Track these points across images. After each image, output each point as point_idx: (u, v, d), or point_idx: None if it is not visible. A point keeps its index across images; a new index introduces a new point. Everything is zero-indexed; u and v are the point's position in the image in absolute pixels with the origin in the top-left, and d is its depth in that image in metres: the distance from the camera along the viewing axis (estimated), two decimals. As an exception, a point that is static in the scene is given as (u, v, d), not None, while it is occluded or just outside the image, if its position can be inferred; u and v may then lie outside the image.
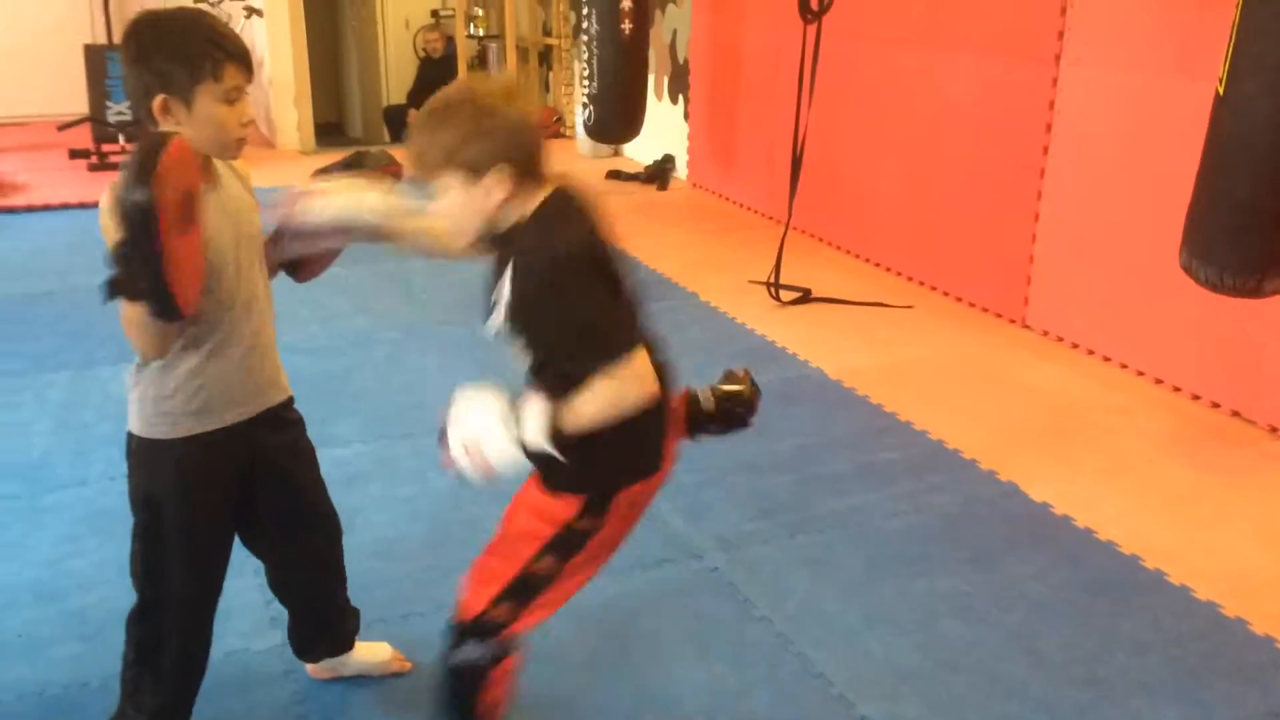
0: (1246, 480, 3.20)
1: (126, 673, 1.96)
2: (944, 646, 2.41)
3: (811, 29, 4.47)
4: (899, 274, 5.09)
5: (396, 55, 9.49)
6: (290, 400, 2.02)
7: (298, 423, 2.05)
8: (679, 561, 2.75)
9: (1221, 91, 2.83)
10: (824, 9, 4.42)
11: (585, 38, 6.09)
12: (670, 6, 6.81)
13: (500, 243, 1.62)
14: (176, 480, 1.84)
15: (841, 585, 2.64)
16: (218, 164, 1.83)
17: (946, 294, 4.81)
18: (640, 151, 7.33)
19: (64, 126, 7.39)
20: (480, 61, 9.06)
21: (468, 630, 1.78)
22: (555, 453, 1.56)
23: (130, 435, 1.86)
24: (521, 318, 1.59)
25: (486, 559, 1.82)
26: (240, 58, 1.71)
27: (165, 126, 1.70)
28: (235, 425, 1.87)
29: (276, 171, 7.08)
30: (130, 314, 1.67)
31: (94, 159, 6.98)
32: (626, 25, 5.88)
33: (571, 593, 1.80)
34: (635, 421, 1.60)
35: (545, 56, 8.85)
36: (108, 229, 1.68)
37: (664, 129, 7.02)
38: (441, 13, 9.35)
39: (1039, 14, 4.13)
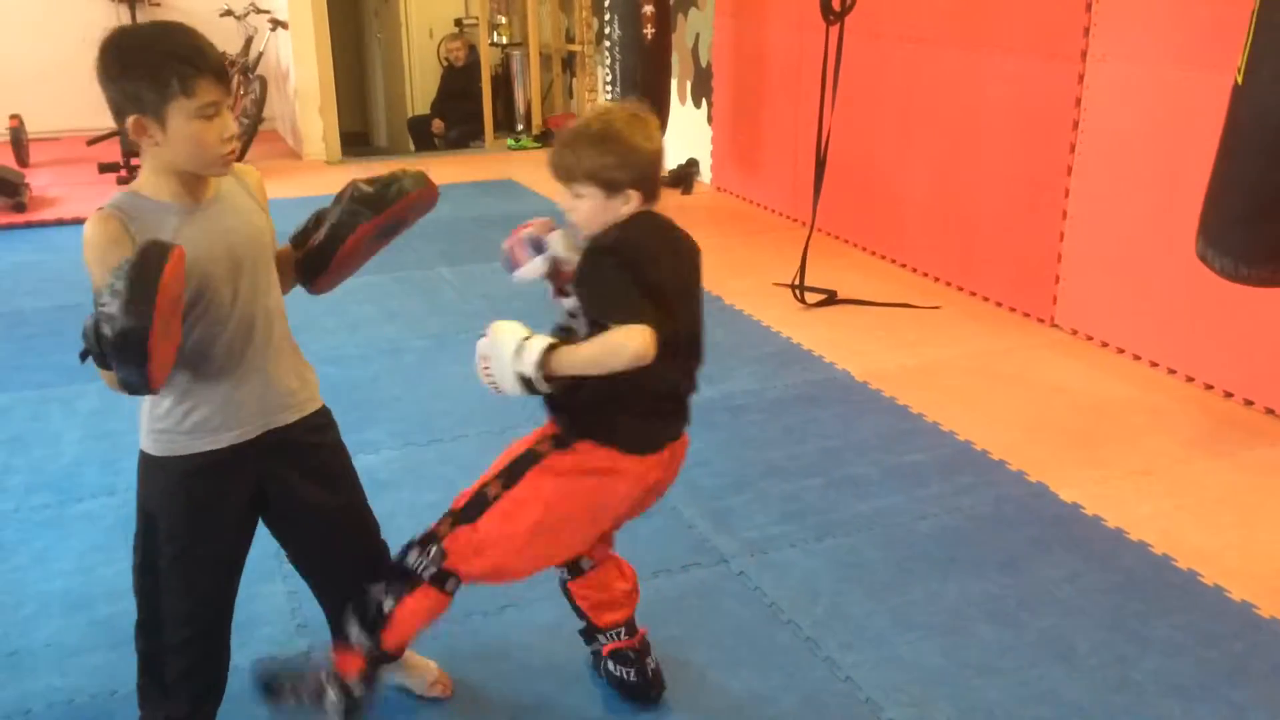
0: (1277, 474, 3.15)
1: (139, 682, 1.96)
2: (974, 650, 2.39)
3: (834, 30, 4.44)
4: (925, 274, 5.06)
5: (420, 64, 9.55)
6: (312, 416, 1.95)
7: (322, 446, 1.97)
8: (705, 566, 2.74)
9: (1240, 81, 2.81)
10: (846, 10, 4.40)
11: (608, 43, 6.09)
12: (693, 10, 6.81)
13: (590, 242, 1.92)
14: (171, 498, 1.82)
15: (870, 589, 2.62)
16: (219, 179, 1.79)
17: (974, 294, 4.77)
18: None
19: (93, 141, 7.48)
20: (504, 69, 9.09)
21: (417, 538, 2.01)
22: (540, 383, 1.79)
23: (140, 450, 1.86)
24: (579, 286, 1.87)
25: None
26: (213, 71, 1.66)
27: (144, 145, 1.68)
28: (239, 446, 1.82)
29: (303, 181, 7.15)
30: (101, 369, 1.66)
31: (123, 172, 7.05)
32: (649, 30, 5.88)
33: (515, 552, 1.96)
34: (632, 393, 1.87)
35: (568, 63, 8.87)
36: (90, 267, 1.66)
37: (687, 133, 7.01)
38: (465, 21, 9.40)
39: (1064, 10, 4.09)
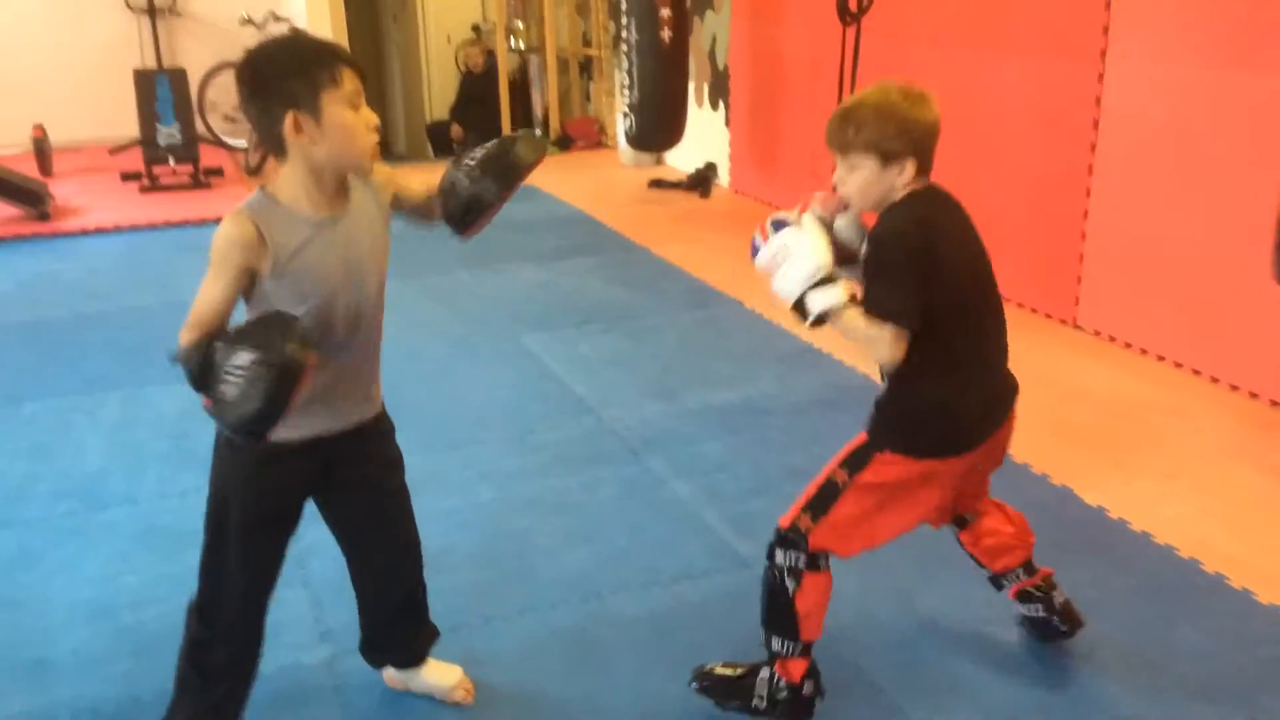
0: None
1: (179, 668, 2.01)
2: (998, 654, 2.37)
3: (851, 31, 4.43)
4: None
5: (438, 70, 9.58)
6: (381, 413, 2.04)
7: (384, 435, 2.06)
8: (727, 571, 2.73)
9: None
10: (862, 11, 4.39)
11: (625, 47, 6.10)
12: (709, 13, 6.80)
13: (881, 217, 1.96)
14: (246, 484, 1.89)
15: (893, 592, 2.61)
16: (355, 183, 1.86)
17: (995, 295, 4.73)
18: (682, 159, 7.33)
19: (115, 150, 7.54)
20: (521, 74, 9.11)
21: (777, 539, 2.09)
22: (810, 317, 1.87)
23: (216, 435, 1.90)
24: (866, 269, 1.91)
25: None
26: (351, 61, 1.76)
27: (297, 147, 1.73)
28: (317, 436, 1.89)
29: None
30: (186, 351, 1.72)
31: (144, 181, 7.10)
32: (666, 33, 5.88)
33: (878, 531, 2.09)
34: (945, 404, 1.98)
35: (586, 67, 8.87)
36: (213, 258, 1.75)
37: (705, 136, 7.01)
38: (482, 27, 9.43)
39: (1082, 9, 4.07)
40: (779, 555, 2.08)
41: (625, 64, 6.12)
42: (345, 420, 1.93)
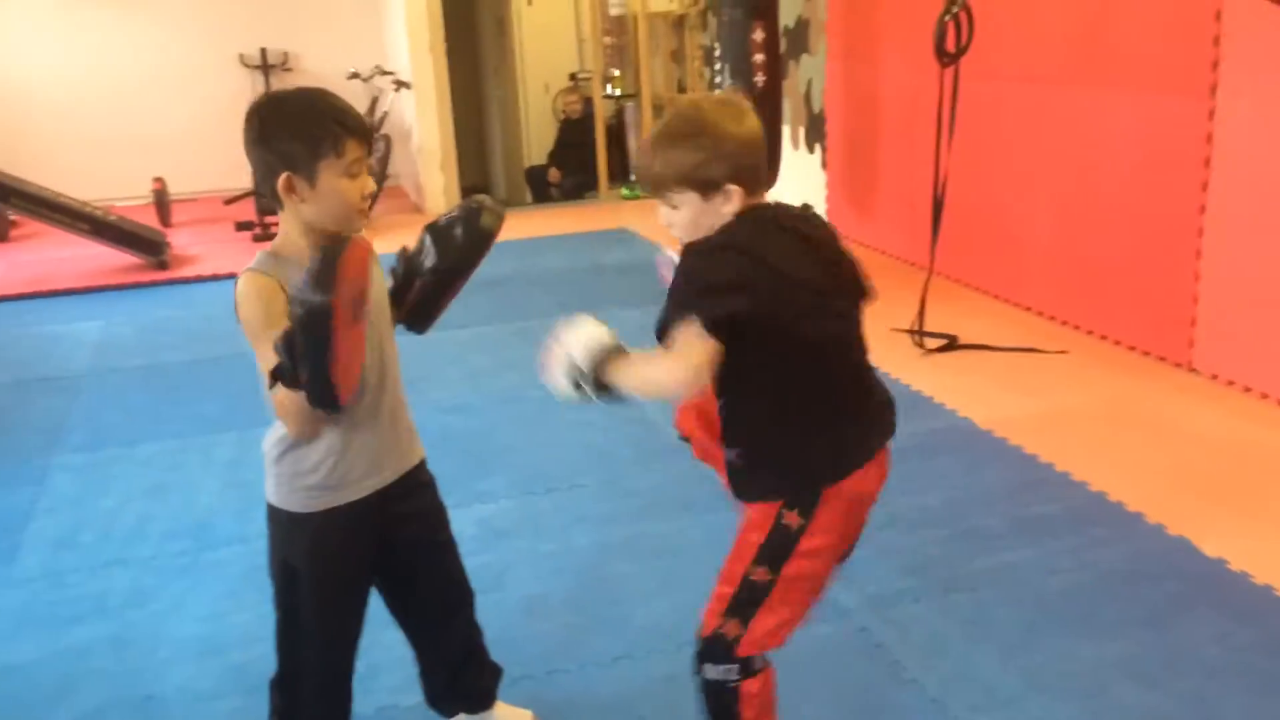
0: None
1: None
2: (1113, 714, 2.27)
3: (949, 71, 4.38)
4: (1051, 318, 4.91)
5: (537, 118, 9.77)
6: (423, 462, 2.05)
7: (430, 485, 2.07)
8: (824, 621, 2.65)
9: None
10: (961, 51, 4.34)
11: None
12: (805, 57, 6.81)
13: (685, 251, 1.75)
14: (312, 550, 1.89)
15: (999, 647, 2.52)
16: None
17: (1104, 337, 4.60)
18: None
19: (229, 200, 7.83)
20: (617, 119, 9.23)
21: (704, 651, 1.85)
22: (588, 387, 1.71)
23: (268, 504, 1.92)
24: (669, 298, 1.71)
25: (719, 580, 1.87)
26: (359, 132, 1.76)
27: (289, 204, 1.76)
28: (376, 493, 1.91)
29: (425, 235, 7.35)
30: (285, 399, 1.71)
31: (257, 230, 7.36)
32: (759, 78, 5.89)
33: (805, 601, 1.86)
34: (819, 423, 1.78)
35: (682, 112, 8.94)
36: (250, 318, 1.75)
37: (802, 179, 6.99)
38: (579, 75, 9.59)
39: (1190, 46, 3.96)
40: (709, 670, 1.84)
41: (721, 109, 6.14)
42: (393, 471, 1.94)
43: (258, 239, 7.32)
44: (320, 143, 1.72)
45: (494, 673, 2.24)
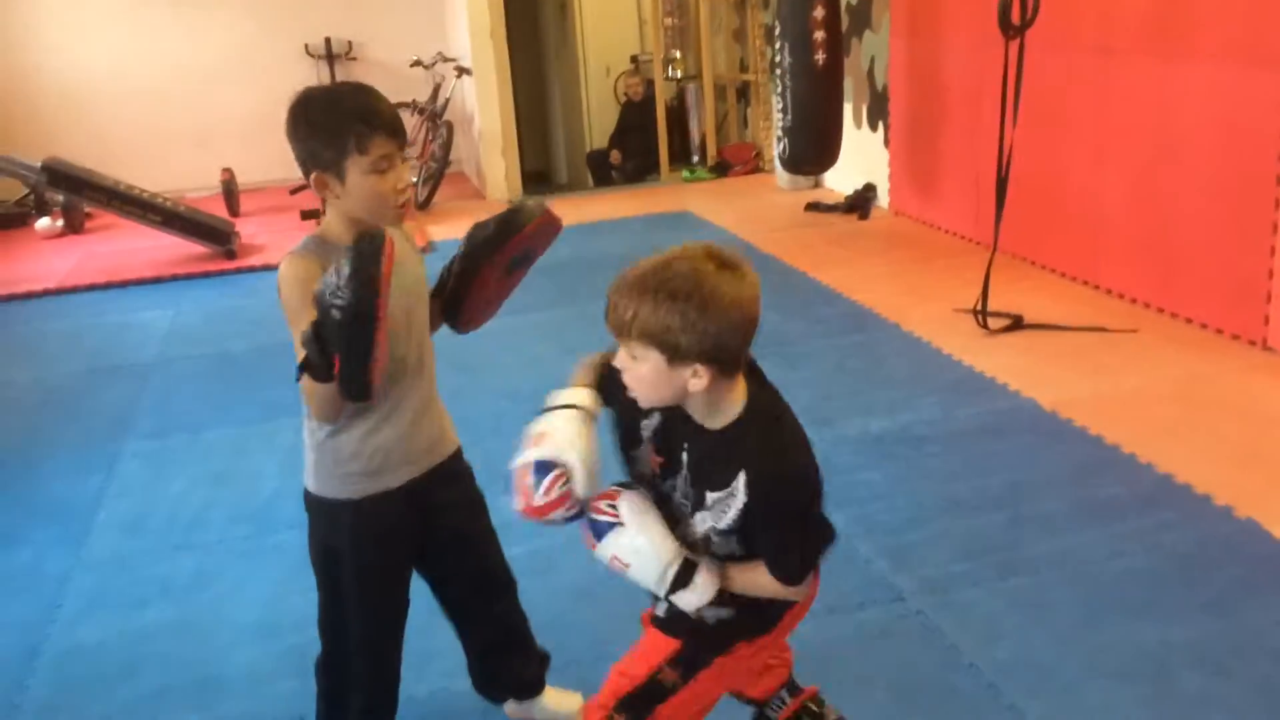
0: None
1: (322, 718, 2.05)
2: (1176, 700, 2.21)
3: (1014, 44, 4.27)
4: (1121, 296, 4.77)
5: (598, 101, 9.76)
6: (459, 451, 2.06)
7: (467, 473, 2.08)
8: (881, 604, 2.64)
9: None
10: (1027, 24, 4.22)
11: (779, 71, 6.06)
12: (867, 33, 6.69)
13: (717, 444, 1.58)
14: (353, 535, 1.91)
15: (1058, 632, 2.46)
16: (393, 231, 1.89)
17: (1175, 315, 4.46)
18: (840, 181, 7.21)
19: (294, 190, 7.95)
20: (679, 101, 9.18)
21: None
22: (705, 612, 1.61)
23: (307, 492, 1.94)
24: (755, 526, 1.58)
25: (625, 658, 1.84)
26: (386, 128, 1.75)
27: (324, 197, 1.78)
28: (409, 482, 1.92)
29: (486, 221, 7.39)
30: (310, 386, 1.73)
31: (322, 218, 7.46)
32: (820, 56, 5.82)
33: (699, 710, 1.79)
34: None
35: (743, 92, 8.87)
36: (290, 300, 1.76)
37: (864, 157, 6.88)
38: (640, 57, 9.55)
39: (1268, 14, 3.81)
40: None
41: (779, 88, 6.07)
42: (430, 459, 1.95)
43: (323, 227, 7.42)
44: (343, 142, 1.72)
45: (541, 660, 2.25)
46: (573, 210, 7.09)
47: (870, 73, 6.77)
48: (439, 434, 1.99)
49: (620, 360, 1.54)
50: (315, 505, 1.92)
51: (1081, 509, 3.01)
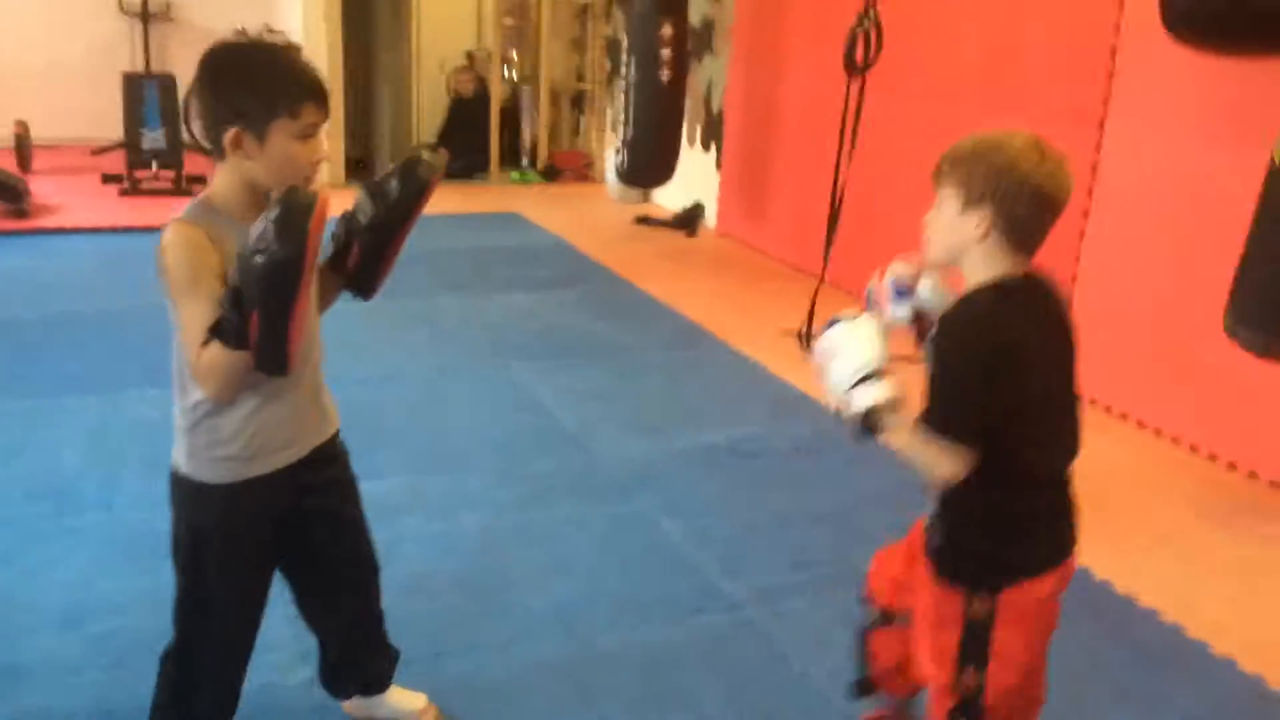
0: (1290, 554, 3.15)
1: (156, 714, 1.93)
2: (988, 712, 2.35)
3: (855, 83, 4.47)
4: (930, 330, 5.05)
5: (429, 96, 9.57)
6: (338, 433, 1.99)
7: (343, 456, 2.01)
8: (713, 612, 2.70)
9: (1276, 161, 2.83)
10: (868, 65, 4.43)
11: (624, 83, 6.14)
12: (708, 57, 6.86)
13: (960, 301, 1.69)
14: (224, 520, 1.81)
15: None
16: None
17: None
18: (669, 198, 7.35)
19: (98, 151, 7.45)
20: (512, 103, 9.13)
21: None
22: (859, 424, 1.68)
23: (175, 473, 1.83)
24: (930, 362, 1.66)
25: (926, 660, 1.80)
26: (318, 95, 1.70)
27: (234, 159, 1.69)
28: (287, 466, 1.84)
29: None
30: (217, 359, 1.64)
31: (125, 185, 7.02)
32: (665, 73, 5.92)
33: (1018, 680, 1.75)
34: (1015, 518, 1.70)
35: (578, 101, 8.91)
36: (178, 268, 1.65)
37: (695, 176, 7.04)
38: (476, 53, 9.45)
39: (1084, 79, 4.14)
40: None
41: (622, 101, 6.15)
42: (310, 444, 1.89)
43: (125, 193, 6.98)
44: (276, 102, 1.65)
45: (392, 656, 2.19)
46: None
47: (707, 96, 6.94)
48: (323, 415, 1.91)
49: (929, 216, 1.71)
50: (184, 487, 1.81)
51: (901, 528, 3.14)
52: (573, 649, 2.51)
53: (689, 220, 6.92)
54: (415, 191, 1.89)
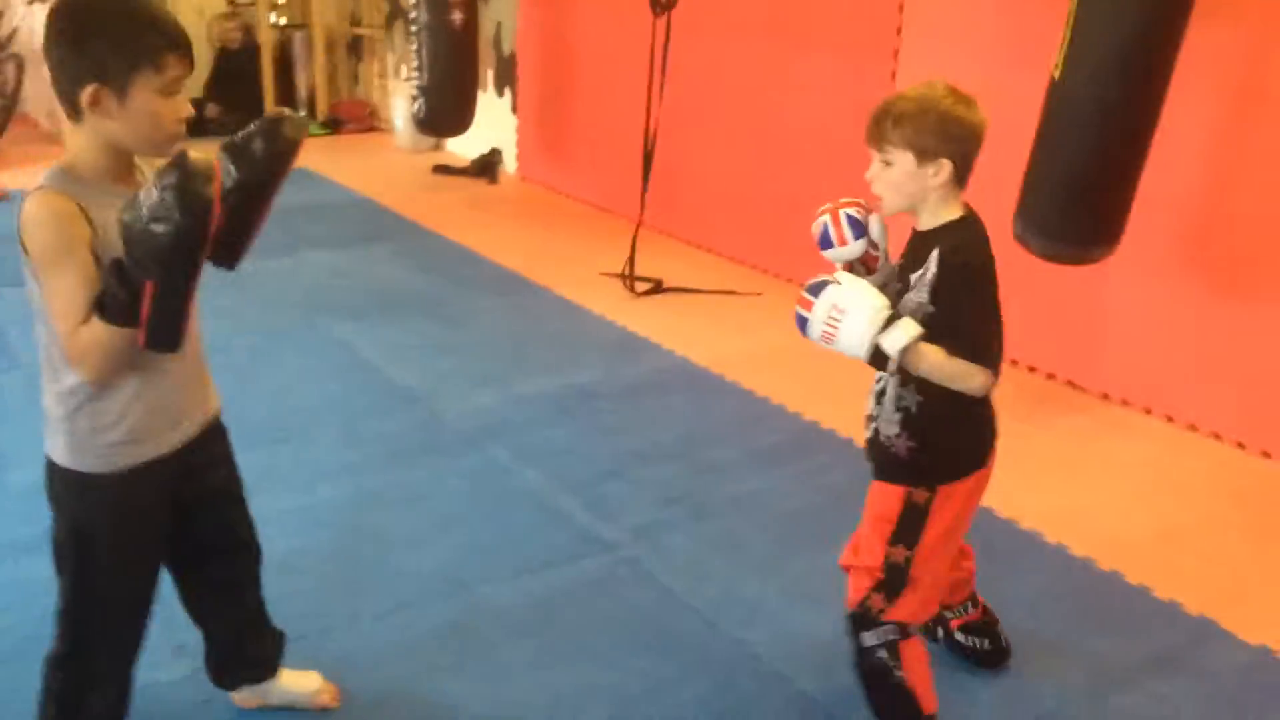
0: (1088, 440, 3.46)
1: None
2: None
3: (660, 21, 4.50)
4: (747, 264, 5.19)
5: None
6: (220, 409, 1.89)
7: (225, 435, 1.92)
8: (593, 556, 2.73)
9: (1057, 76, 3.08)
10: (672, 3, 4.47)
11: (414, 27, 5.93)
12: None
13: (923, 240, 1.90)
14: (112, 514, 1.71)
15: (756, 566, 2.70)
16: (140, 163, 1.70)
17: (790, 280, 4.95)
18: (463, 145, 7.20)
19: None
20: (283, 53, 8.67)
21: (856, 620, 2.00)
22: (893, 363, 1.79)
23: (54, 465, 1.69)
24: (940, 297, 1.84)
25: (856, 546, 2.06)
26: (181, 45, 1.58)
27: (92, 118, 1.56)
28: (175, 450, 1.74)
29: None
30: (100, 338, 1.52)
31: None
32: (456, 15, 5.76)
33: (942, 570, 2.04)
34: (970, 427, 1.98)
35: (354, 47, 8.55)
36: (46, 240, 1.53)
37: (489, 122, 6.91)
38: (239, 1, 8.89)
39: (876, 9, 4.32)
40: (867, 637, 1.98)
41: (415, 45, 5.95)
42: (197, 422, 1.81)
43: None
44: (138, 55, 1.52)
45: (277, 639, 2.11)
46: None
47: (497, 38, 6.81)
48: (204, 392, 1.81)
49: (872, 170, 1.89)
50: (65, 481, 1.68)
51: (751, 456, 3.29)
52: (461, 607, 2.49)
53: (488, 167, 6.82)
54: (283, 152, 1.77)
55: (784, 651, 2.37)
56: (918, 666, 1.99)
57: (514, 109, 6.78)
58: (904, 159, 1.84)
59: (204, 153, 1.52)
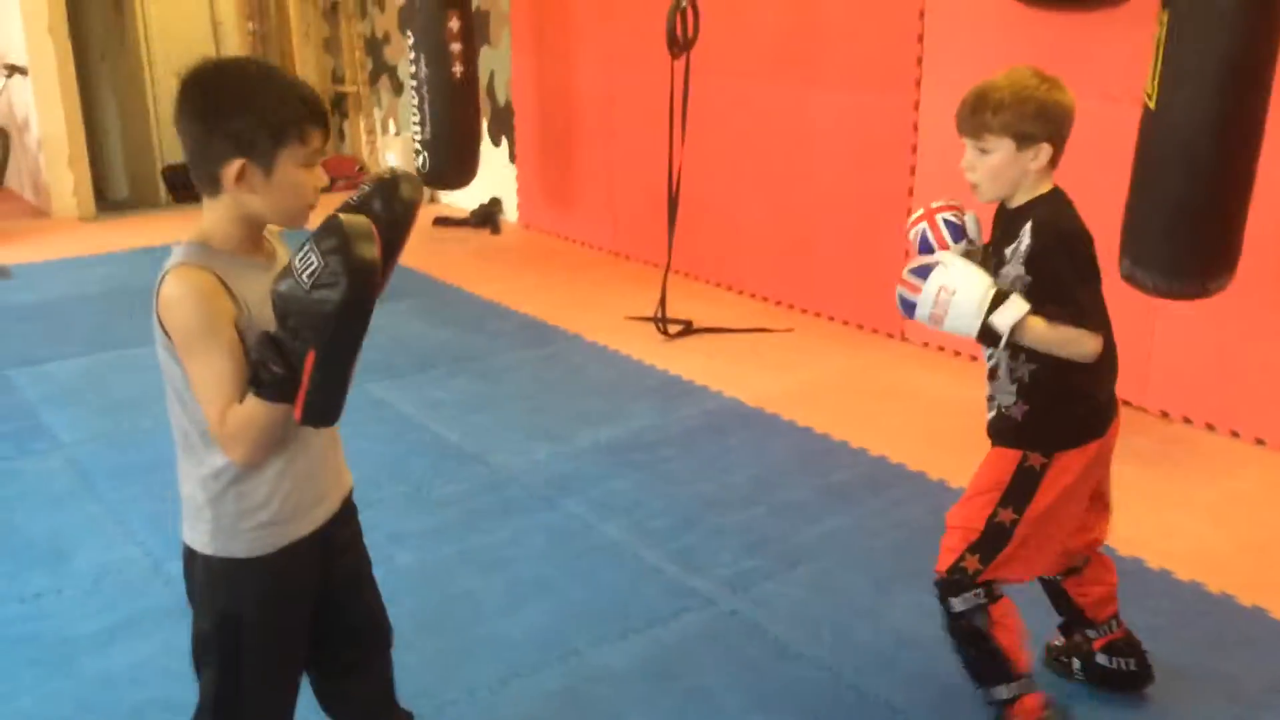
0: (1153, 461, 3.45)
1: None
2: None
3: (679, 64, 4.50)
4: (775, 302, 5.15)
5: (169, 109, 8.85)
6: (352, 486, 1.81)
7: (356, 512, 1.84)
8: (694, 610, 2.66)
9: (1152, 105, 2.99)
10: (690, 42, 4.46)
11: (414, 82, 5.89)
12: (486, 49, 6.70)
13: (1015, 215, 1.96)
14: (264, 600, 1.62)
15: (863, 610, 2.64)
16: (267, 233, 1.64)
17: (819, 314, 4.92)
18: (462, 196, 7.15)
19: None
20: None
21: (945, 586, 2.05)
22: (1004, 339, 1.84)
23: (195, 555, 1.61)
24: (1036, 266, 1.90)
25: (959, 508, 2.10)
26: (321, 116, 1.54)
27: (233, 193, 1.50)
28: (320, 529, 1.67)
29: (57, 243, 6.45)
30: (256, 416, 1.46)
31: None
32: (457, 68, 5.74)
33: (1048, 547, 2.06)
34: (1083, 393, 2.01)
35: (338, 104, 8.50)
36: (191, 319, 1.47)
37: (487, 171, 6.87)
38: (217, 63, 8.82)
39: (896, 42, 4.33)
40: (956, 603, 2.04)
41: (415, 99, 5.91)
42: (337, 495, 1.73)
43: None
44: (283, 128, 1.47)
45: None
46: (149, 230, 6.47)
47: (491, 87, 6.78)
48: (340, 463, 1.73)
49: (967, 160, 1.96)
50: (210, 569, 1.59)
51: (825, 495, 3.24)
52: (574, 672, 2.42)
53: (489, 217, 6.77)
54: (404, 212, 1.72)
55: (909, 698, 2.31)
56: (1009, 624, 2.03)
57: (512, 157, 6.75)
58: (1004, 146, 1.91)
59: (357, 217, 1.47)
